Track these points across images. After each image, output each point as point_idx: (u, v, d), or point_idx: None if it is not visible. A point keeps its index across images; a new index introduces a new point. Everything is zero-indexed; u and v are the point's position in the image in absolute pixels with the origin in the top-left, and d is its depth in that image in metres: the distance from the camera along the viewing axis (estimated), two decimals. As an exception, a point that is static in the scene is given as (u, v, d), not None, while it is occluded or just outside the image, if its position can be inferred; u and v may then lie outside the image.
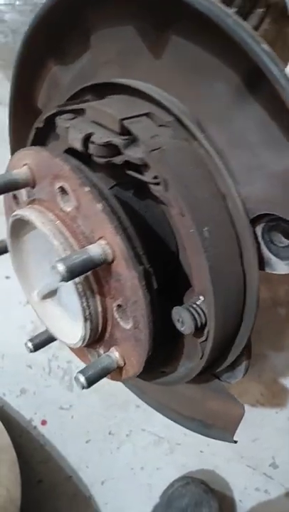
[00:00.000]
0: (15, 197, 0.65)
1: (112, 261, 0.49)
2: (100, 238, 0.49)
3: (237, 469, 1.29)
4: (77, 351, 0.73)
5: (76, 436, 1.19)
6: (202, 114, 0.50)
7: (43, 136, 0.69)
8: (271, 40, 0.50)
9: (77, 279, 0.50)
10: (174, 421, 0.83)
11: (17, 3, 2.43)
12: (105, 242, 0.48)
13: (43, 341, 0.70)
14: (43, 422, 1.18)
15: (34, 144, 0.69)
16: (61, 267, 0.45)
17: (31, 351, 0.70)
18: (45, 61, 0.70)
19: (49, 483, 1.11)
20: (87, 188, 0.47)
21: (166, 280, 0.57)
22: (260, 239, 0.53)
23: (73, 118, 0.57)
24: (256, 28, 0.48)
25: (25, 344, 0.70)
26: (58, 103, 0.70)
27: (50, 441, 1.16)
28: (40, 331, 0.71)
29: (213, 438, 0.74)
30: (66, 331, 0.65)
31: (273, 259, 0.54)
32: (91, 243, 0.50)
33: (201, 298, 0.52)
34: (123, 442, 1.21)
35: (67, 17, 0.60)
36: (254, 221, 0.51)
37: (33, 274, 0.68)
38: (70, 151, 0.55)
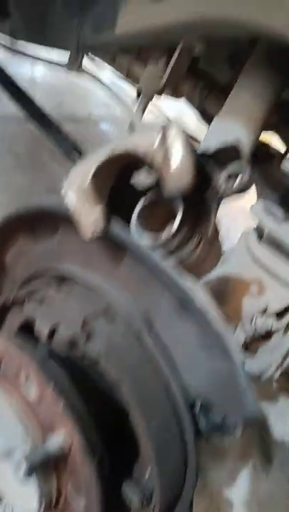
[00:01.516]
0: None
1: (70, 450, 0.55)
2: (60, 429, 0.55)
3: None
4: None
5: None
6: (152, 314, 0.61)
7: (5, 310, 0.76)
8: (204, 257, 0.64)
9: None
10: None
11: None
12: (64, 435, 0.55)
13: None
14: None
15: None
16: (24, 466, 0.50)
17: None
18: (16, 232, 0.81)
19: None
20: (50, 387, 0.55)
21: (120, 448, 0.63)
22: (197, 412, 0.63)
23: (41, 303, 0.66)
24: (191, 253, 0.62)
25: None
26: (24, 269, 0.80)
27: None
28: None
29: None
30: (20, 498, 0.67)
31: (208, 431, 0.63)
32: (51, 431, 0.57)
33: (148, 471, 0.59)
34: None
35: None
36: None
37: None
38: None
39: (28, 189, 2.19)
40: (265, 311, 1.01)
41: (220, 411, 0.61)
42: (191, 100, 1.50)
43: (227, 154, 0.60)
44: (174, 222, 0.58)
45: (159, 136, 0.50)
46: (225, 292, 1.03)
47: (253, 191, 1.70)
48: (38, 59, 1.26)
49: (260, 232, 1.06)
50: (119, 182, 0.60)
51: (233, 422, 0.56)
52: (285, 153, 1.41)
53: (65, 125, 2.84)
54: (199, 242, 0.62)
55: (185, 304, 0.55)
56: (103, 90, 2.75)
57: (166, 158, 0.50)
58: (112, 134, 2.90)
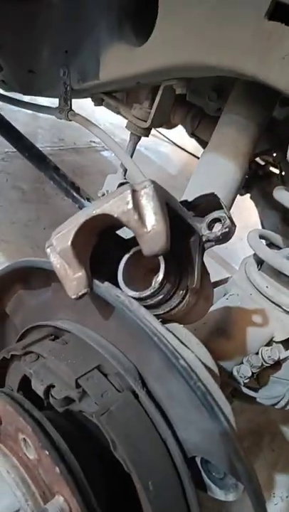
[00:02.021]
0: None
1: (70, 513, 0.55)
2: (59, 493, 0.55)
3: None
4: None
5: None
6: (144, 368, 0.61)
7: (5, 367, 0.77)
8: (192, 305, 0.64)
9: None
10: None
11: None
12: (63, 499, 0.55)
13: None
14: None
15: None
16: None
17: None
18: (13, 285, 0.82)
19: None
20: (46, 452, 0.55)
21: (120, 508, 0.63)
22: (200, 467, 0.61)
23: (36, 359, 0.67)
24: (179, 303, 0.62)
25: None
26: (23, 319, 0.82)
27: None
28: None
29: None
30: None
31: (213, 486, 0.62)
32: (50, 493, 0.57)
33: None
34: None
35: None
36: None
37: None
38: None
39: (34, 222, 2.23)
40: (271, 341, 0.99)
41: (217, 469, 0.59)
42: (184, 127, 1.52)
43: (207, 205, 0.61)
44: (157, 276, 0.58)
45: (132, 199, 0.50)
46: (229, 324, 1.01)
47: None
48: (36, 107, 1.30)
49: (258, 260, 1.05)
50: (105, 236, 0.61)
51: (232, 481, 0.55)
52: (280, 173, 1.40)
53: (68, 155, 2.92)
54: (186, 294, 0.61)
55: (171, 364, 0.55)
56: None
57: (141, 220, 0.50)
58: (113, 159, 2.95)
